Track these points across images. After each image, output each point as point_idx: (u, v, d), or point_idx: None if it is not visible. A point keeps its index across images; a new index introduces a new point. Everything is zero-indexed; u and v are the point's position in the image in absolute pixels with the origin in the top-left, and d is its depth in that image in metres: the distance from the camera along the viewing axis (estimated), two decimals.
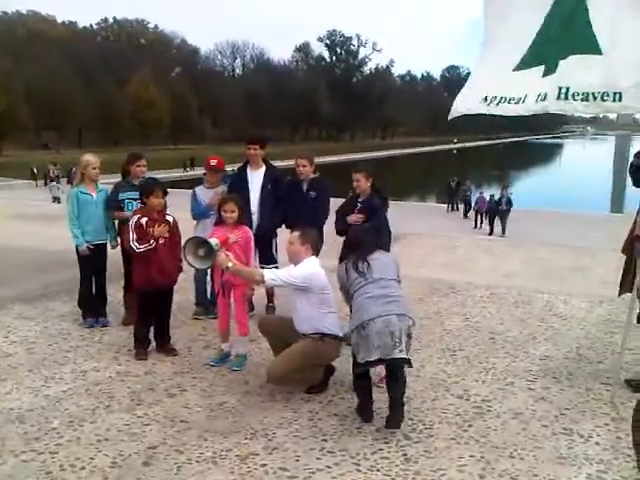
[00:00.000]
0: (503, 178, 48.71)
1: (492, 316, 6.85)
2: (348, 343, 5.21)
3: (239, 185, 6.38)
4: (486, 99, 5.06)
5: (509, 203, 25.39)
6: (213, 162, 6.51)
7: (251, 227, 5.89)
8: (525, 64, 4.93)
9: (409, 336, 4.21)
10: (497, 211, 25.38)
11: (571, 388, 4.91)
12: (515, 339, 6.08)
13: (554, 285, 8.32)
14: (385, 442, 4.01)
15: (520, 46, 4.96)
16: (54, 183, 36.66)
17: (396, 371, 4.26)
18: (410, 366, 4.28)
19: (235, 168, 7.14)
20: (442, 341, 5.99)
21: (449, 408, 4.52)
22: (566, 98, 4.58)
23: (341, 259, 5.07)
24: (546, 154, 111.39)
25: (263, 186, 6.43)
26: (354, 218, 5.79)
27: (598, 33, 4.51)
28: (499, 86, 5.04)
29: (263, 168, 6.49)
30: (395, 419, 4.13)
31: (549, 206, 31.53)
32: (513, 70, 4.99)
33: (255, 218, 6.34)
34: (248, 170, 6.50)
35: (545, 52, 4.81)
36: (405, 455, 3.85)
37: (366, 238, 4.76)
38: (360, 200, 5.95)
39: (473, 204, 28.05)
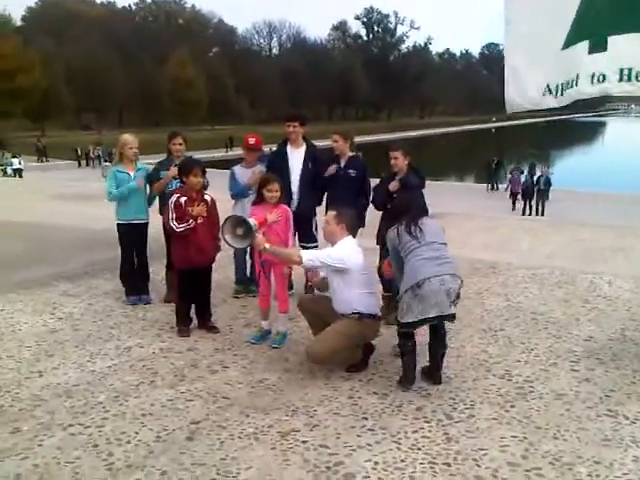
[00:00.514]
0: (542, 158, 47.70)
1: (534, 296, 6.75)
2: (388, 322, 5.25)
3: (279, 163, 6.35)
4: (550, 89, 4.89)
5: (547, 183, 24.28)
6: (252, 140, 6.50)
7: (290, 206, 5.88)
8: (571, 41, 4.74)
9: (458, 295, 4.47)
10: (534, 192, 24.31)
11: (616, 370, 4.81)
12: (558, 320, 5.98)
13: (597, 266, 8.15)
14: (426, 421, 4.00)
15: (562, 21, 4.74)
16: (108, 163, 37.29)
17: (441, 328, 4.57)
18: (453, 320, 4.56)
19: (272, 148, 7.13)
20: (483, 321, 5.93)
21: (491, 388, 4.48)
22: (629, 80, 4.41)
23: (380, 230, 5.14)
24: (588, 133, 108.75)
25: (304, 165, 6.38)
26: (395, 184, 5.77)
27: None
28: (557, 70, 4.85)
29: (303, 147, 6.43)
30: (439, 375, 4.54)
31: (591, 186, 30.68)
32: (562, 49, 4.80)
33: (295, 197, 6.32)
34: (288, 148, 6.45)
35: (590, 27, 4.61)
36: (446, 434, 3.84)
37: (415, 203, 4.88)
38: (398, 178, 5.91)
39: (506, 185, 26.69)
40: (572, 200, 24.52)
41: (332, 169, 6.22)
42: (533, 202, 24.21)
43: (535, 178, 24.87)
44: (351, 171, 6.24)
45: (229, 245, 4.90)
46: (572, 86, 4.71)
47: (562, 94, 4.81)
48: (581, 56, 4.64)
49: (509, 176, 26.28)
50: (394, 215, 4.87)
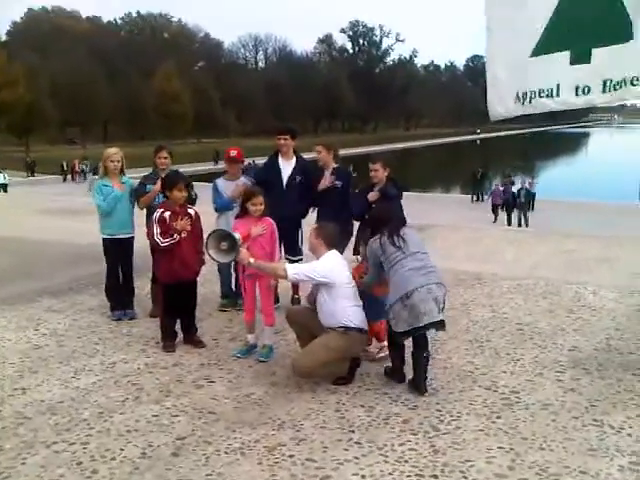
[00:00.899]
0: (527, 168, 47.98)
1: (519, 307, 6.78)
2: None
3: (272, 175, 6.38)
4: (519, 97, 4.91)
5: (528, 195, 24.49)
6: (233, 153, 6.51)
7: (282, 217, 5.87)
8: (544, 49, 4.72)
9: (444, 302, 4.64)
10: (515, 204, 24.44)
11: (601, 379, 4.84)
12: (543, 330, 6.01)
13: (582, 276, 8.21)
14: (412, 433, 4.00)
15: (532, 28, 4.75)
16: (95, 176, 37.11)
17: (425, 336, 4.63)
18: (444, 328, 4.69)
19: (255, 160, 7.15)
20: (469, 332, 5.94)
21: (477, 400, 4.49)
22: (612, 89, 4.47)
23: (357, 241, 5.21)
24: (572, 144, 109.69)
25: (292, 177, 6.41)
26: (374, 194, 5.81)
27: (634, 19, 4.38)
28: (523, 78, 4.86)
29: (294, 159, 6.48)
30: (425, 385, 4.57)
31: (576, 196, 30.93)
32: (530, 56, 4.81)
33: (283, 208, 6.30)
34: (280, 160, 6.48)
35: (569, 37, 4.62)
36: (433, 446, 3.83)
37: (395, 213, 4.91)
38: (377, 188, 5.97)
39: (486, 196, 26.87)
40: (556, 210, 24.75)
41: (327, 182, 6.22)
42: (514, 214, 24.23)
43: (516, 190, 24.90)
44: (337, 182, 6.27)
45: (213, 260, 4.90)
46: (551, 95, 4.73)
47: (530, 102, 4.84)
48: (562, 66, 4.66)
49: (493, 187, 26.39)
50: (374, 225, 4.92)
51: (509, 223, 23.95)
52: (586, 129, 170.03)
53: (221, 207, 6.43)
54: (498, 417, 4.22)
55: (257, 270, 4.92)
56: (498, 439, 3.93)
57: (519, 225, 23.33)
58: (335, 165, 6.38)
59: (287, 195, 6.34)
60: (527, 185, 25.59)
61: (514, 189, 25.40)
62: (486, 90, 5.30)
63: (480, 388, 4.68)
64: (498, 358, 5.30)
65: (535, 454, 3.76)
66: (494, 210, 25.24)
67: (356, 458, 3.70)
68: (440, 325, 4.58)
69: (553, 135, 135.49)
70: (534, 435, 3.98)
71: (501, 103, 5.14)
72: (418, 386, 4.56)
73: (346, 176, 6.40)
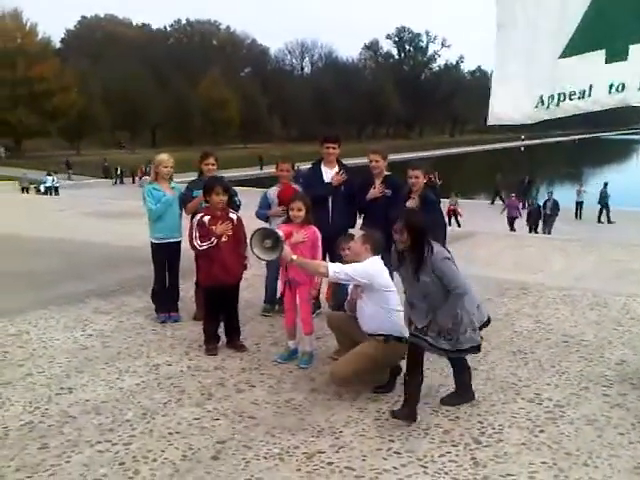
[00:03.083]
0: (576, 176, 46.81)
1: (565, 318, 6.64)
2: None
3: (315, 182, 6.39)
4: (542, 101, 4.70)
5: (555, 207, 23.33)
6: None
7: (327, 226, 5.91)
8: (576, 49, 4.51)
9: None
10: (539, 215, 23.39)
11: None
12: (590, 343, 5.87)
13: (631, 287, 7.99)
14: (453, 445, 3.95)
15: (561, 28, 4.52)
16: (147, 177, 37.68)
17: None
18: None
19: (298, 165, 7.15)
20: (512, 343, 5.84)
21: (520, 412, 4.41)
22: None
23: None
24: (622, 150, 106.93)
25: (337, 185, 6.39)
26: (413, 202, 5.76)
27: None
28: (550, 80, 4.64)
29: (336, 167, 6.46)
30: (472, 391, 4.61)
31: (629, 205, 29.96)
32: (559, 57, 4.61)
33: (330, 217, 6.32)
34: (323, 168, 6.49)
35: (604, 35, 4.42)
36: (474, 459, 3.78)
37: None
38: (417, 195, 5.93)
39: (502, 209, 25.01)
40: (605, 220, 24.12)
41: (377, 192, 6.19)
42: (539, 228, 23.21)
43: (542, 202, 23.93)
44: (387, 191, 6.21)
45: (258, 258, 4.89)
46: (582, 97, 4.55)
47: (558, 105, 4.63)
48: (596, 66, 4.45)
49: (507, 200, 25.02)
50: (422, 234, 4.77)
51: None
52: (637, 136, 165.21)
53: (258, 217, 6.50)
54: (541, 431, 4.14)
55: (299, 267, 4.93)
56: (541, 454, 3.85)
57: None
58: (387, 173, 6.33)
59: (332, 203, 6.34)
60: (575, 194, 24.87)
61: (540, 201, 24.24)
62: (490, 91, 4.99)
63: (523, 401, 4.60)
64: (542, 370, 5.19)
65: (579, 470, 3.67)
66: (511, 223, 23.80)
67: (395, 468, 3.68)
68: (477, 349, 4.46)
69: (602, 142, 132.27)
70: (578, 451, 3.89)
71: (514, 107, 4.85)
72: (467, 394, 4.55)
73: (397, 185, 6.30)
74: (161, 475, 3.59)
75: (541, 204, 24.04)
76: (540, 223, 23.48)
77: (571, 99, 4.58)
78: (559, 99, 4.60)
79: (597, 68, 4.45)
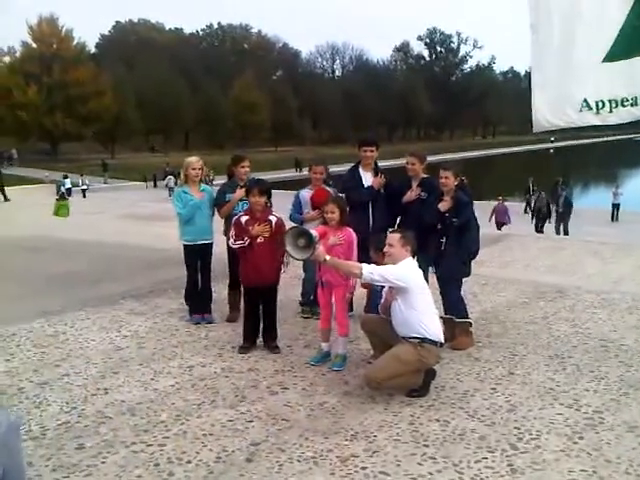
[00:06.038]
0: (610, 177, 45.69)
1: (603, 322, 6.50)
2: (453, 347, 5.18)
3: (354, 185, 6.37)
4: (589, 105, 4.59)
5: (567, 204, 21.96)
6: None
7: (368, 228, 6.02)
8: (622, 53, 4.41)
9: None
10: (549, 213, 22.32)
11: None
12: (629, 347, 5.73)
13: None
14: (489, 451, 3.88)
15: (602, 30, 4.42)
16: (171, 177, 37.62)
17: None
18: None
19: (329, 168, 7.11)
20: (550, 348, 5.74)
21: (558, 418, 4.31)
22: None
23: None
24: None
25: (379, 189, 6.35)
26: (446, 204, 5.70)
27: None
28: (593, 84, 4.54)
29: (373, 170, 6.45)
30: None
31: None
32: (604, 61, 4.52)
33: (371, 219, 6.31)
34: (361, 171, 6.47)
35: None
36: (511, 465, 3.71)
37: None
38: (449, 196, 5.84)
39: (490, 214, 22.32)
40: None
41: (413, 195, 6.15)
42: (548, 224, 22.20)
43: (555, 200, 22.59)
44: (423, 194, 6.14)
45: (290, 256, 4.89)
46: (636, 104, 4.45)
47: (611, 111, 4.52)
48: None
49: (494, 204, 23.11)
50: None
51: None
52: None
53: (293, 220, 6.43)
54: (580, 437, 4.04)
55: (332, 267, 4.91)
56: (580, 461, 3.76)
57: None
58: (424, 176, 6.28)
59: (372, 206, 6.32)
60: (611, 196, 24.20)
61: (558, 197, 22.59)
62: (530, 97, 4.93)
63: (561, 406, 4.50)
64: (581, 375, 5.08)
65: (620, 478, 3.58)
66: (499, 228, 21.42)
67: (430, 474, 3.63)
68: None
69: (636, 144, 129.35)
70: (619, 458, 3.79)
71: (555, 112, 4.75)
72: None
73: (434, 188, 6.22)
74: (195, 477, 3.59)
75: (544, 200, 22.69)
76: (549, 222, 22.33)
77: (624, 105, 4.48)
78: (611, 105, 4.50)
79: None
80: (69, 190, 33.78)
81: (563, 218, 22.02)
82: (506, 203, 23.76)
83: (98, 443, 3.96)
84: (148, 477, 3.58)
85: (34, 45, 59.74)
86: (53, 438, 4.03)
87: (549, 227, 22.05)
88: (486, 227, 21.95)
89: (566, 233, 21.44)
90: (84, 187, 37.13)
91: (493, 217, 22.43)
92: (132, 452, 3.86)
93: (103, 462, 3.74)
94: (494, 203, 23.09)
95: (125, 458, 3.79)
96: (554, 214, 22.47)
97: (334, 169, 7.41)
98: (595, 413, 4.40)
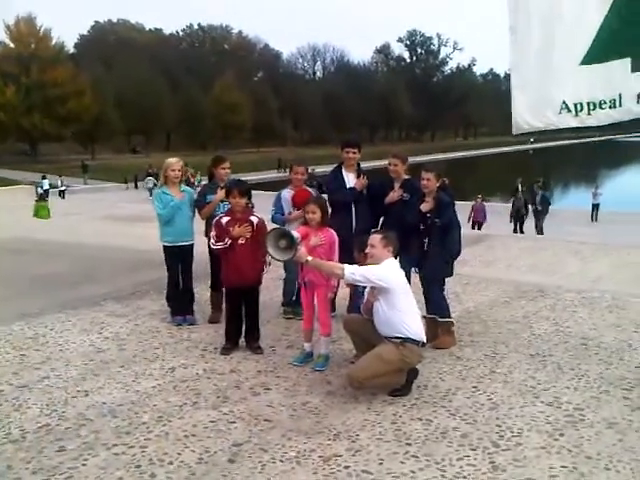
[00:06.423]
0: (590, 177, 46.19)
1: (584, 321, 6.57)
2: (435, 346, 5.21)
3: (338, 186, 6.38)
4: (567, 107, 4.63)
5: (545, 202, 22.23)
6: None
7: (350, 229, 6.06)
8: (599, 57, 4.45)
9: None
10: (525, 214, 22.42)
11: None
12: (609, 345, 5.80)
13: None
14: (471, 449, 3.90)
15: (580, 32, 4.45)
16: (150, 178, 37.44)
17: None
18: None
19: (312, 169, 7.14)
20: (531, 346, 5.78)
21: (539, 416, 4.35)
22: None
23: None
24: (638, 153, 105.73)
25: (361, 190, 6.35)
26: (427, 205, 5.72)
27: None
28: (572, 87, 4.58)
29: (355, 172, 6.45)
30: None
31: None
32: (580, 64, 4.57)
33: (353, 221, 6.30)
34: (344, 173, 6.45)
35: (628, 43, 4.34)
36: (493, 463, 3.73)
37: None
38: (431, 197, 5.87)
39: (468, 213, 21.99)
40: (621, 223, 23.87)
41: (395, 196, 6.16)
42: (527, 224, 22.35)
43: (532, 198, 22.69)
44: (405, 195, 6.16)
45: (272, 258, 4.89)
46: (614, 106, 4.50)
47: (590, 113, 4.56)
48: (622, 75, 4.40)
49: (472, 203, 22.78)
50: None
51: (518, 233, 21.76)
52: None
53: (275, 221, 6.40)
54: (561, 434, 4.08)
55: (314, 268, 4.92)
56: (561, 457, 3.80)
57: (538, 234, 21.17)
58: (406, 177, 6.29)
59: (355, 207, 6.32)
60: (591, 196, 24.43)
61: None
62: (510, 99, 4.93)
63: (542, 404, 4.54)
64: (561, 373, 5.13)
65: (600, 474, 3.61)
66: (477, 227, 21.59)
67: (412, 472, 3.64)
68: None
69: (619, 144, 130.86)
70: (599, 455, 3.83)
71: (535, 114, 4.75)
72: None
73: (416, 189, 6.23)
74: (177, 478, 3.57)
75: (522, 199, 22.70)
76: (526, 221, 22.41)
77: (602, 108, 4.50)
78: (589, 108, 4.54)
79: (622, 77, 4.39)
80: (47, 191, 33.28)
81: (538, 217, 22.17)
82: (488, 203, 23.80)
83: (79, 445, 3.92)
84: (129, 479, 3.56)
85: (12, 45, 59.09)
86: (33, 441, 3.98)
87: (530, 227, 22.21)
88: (466, 227, 22.28)
89: (540, 232, 21.55)
90: (63, 188, 36.70)
91: (472, 216, 22.35)
92: (113, 454, 3.83)
93: (84, 464, 3.70)
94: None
95: (106, 460, 3.76)
96: (531, 213, 22.64)
97: (318, 170, 7.41)
98: (575, 410, 4.44)
